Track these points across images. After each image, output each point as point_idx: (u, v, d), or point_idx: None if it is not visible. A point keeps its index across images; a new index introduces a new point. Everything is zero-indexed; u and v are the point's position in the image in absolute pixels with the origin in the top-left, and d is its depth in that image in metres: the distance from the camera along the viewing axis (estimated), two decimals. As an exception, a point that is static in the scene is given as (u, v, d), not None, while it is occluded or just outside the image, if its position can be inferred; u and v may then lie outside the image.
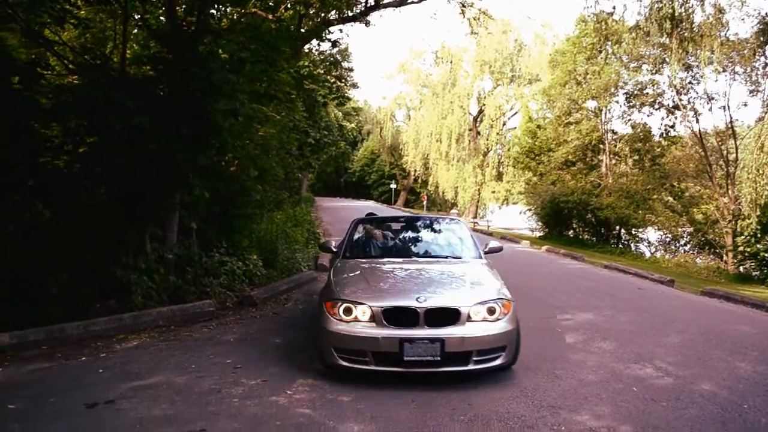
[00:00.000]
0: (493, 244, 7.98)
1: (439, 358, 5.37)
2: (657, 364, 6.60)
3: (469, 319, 5.54)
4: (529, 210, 32.46)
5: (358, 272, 6.56)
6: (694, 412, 5.09)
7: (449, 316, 5.52)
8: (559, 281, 13.59)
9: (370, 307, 5.53)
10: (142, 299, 8.32)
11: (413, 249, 7.70)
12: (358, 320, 5.56)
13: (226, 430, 4.53)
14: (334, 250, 7.71)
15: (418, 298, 5.57)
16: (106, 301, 8.07)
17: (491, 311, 5.66)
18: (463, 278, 6.40)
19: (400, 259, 7.21)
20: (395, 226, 8.53)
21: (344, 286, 6.09)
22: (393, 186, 60.44)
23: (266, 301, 9.79)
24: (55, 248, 7.82)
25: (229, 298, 9.61)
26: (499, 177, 46.45)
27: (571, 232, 29.54)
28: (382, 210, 40.53)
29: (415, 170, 53.59)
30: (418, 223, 8.62)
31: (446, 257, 7.31)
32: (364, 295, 5.73)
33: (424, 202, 52.51)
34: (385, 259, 7.22)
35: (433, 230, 8.22)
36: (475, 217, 43.16)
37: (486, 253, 7.53)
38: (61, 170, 8.71)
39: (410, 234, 8.22)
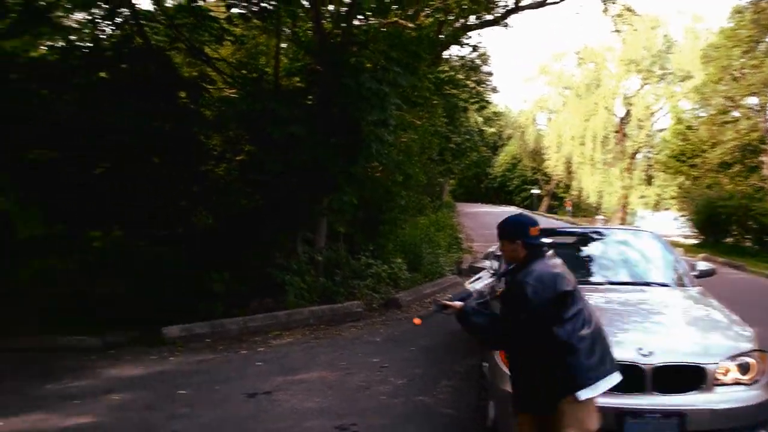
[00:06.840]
0: (703, 265, 5.82)
1: None
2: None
3: (716, 381, 3.77)
4: (683, 216, 30.47)
5: None
6: None
7: (688, 376, 3.77)
8: (717, 291, 12.62)
9: None
10: (295, 298, 8.77)
11: (600, 271, 5.69)
12: None
13: (375, 426, 4.67)
14: (492, 272, 5.18)
15: (640, 349, 3.78)
16: (262, 300, 8.58)
17: (745, 369, 3.86)
18: (687, 315, 4.65)
19: (586, 286, 4.76)
20: (569, 240, 6.60)
21: None
22: (535, 191, 59.05)
23: (411, 304, 9.95)
24: (218, 249, 8.44)
25: (375, 300, 9.85)
26: (649, 181, 44.06)
27: (729, 239, 27.38)
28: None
29: (558, 175, 52.10)
30: (599, 237, 6.43)
31: (647, 283, 5.37)
32: None
33: (569, 208, 50.79)
34: None
35: (621, 246, 6.15)
36: (623, 224, 41.20)
37: (696, 278, 5.62)
38: (221, 177, 9.40)
39: (592, 251, 6.13)
